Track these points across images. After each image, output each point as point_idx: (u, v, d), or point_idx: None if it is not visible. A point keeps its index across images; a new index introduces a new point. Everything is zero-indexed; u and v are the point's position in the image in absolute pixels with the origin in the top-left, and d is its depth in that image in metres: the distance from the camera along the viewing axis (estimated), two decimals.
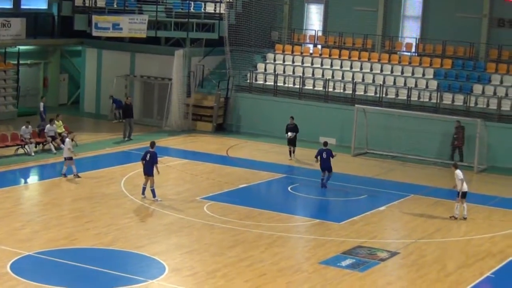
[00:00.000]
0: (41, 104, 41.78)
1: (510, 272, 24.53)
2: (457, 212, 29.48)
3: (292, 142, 39.01)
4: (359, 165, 38.07)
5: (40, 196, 31.34)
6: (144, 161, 30.04)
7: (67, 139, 33.73)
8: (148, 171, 29.88)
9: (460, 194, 29.41)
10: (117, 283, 21.71)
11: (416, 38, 45.52)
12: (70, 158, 32.80)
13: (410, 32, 46.08)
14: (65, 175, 32.76)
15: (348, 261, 24.31)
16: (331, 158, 33.00)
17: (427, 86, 42.41)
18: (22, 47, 47.47)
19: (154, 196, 29.92)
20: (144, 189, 30.09)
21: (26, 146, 36.94)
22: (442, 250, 26.08)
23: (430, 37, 44.84)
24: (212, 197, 30.93)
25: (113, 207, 28.49)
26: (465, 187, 29.39)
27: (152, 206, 29.21)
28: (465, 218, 29.42)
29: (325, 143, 33.78)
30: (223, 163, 37.51)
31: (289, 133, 38.85)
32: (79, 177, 32.70)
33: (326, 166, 33.04)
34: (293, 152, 38.96)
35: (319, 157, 33.03)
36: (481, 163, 38.19)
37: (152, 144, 30.81)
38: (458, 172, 29.37)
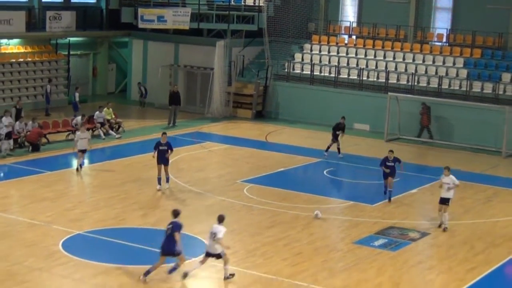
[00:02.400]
0: (76, 94, 42.07)
1: None
2: (446, 222, 25.76)
3: (336, 138, 36.14)
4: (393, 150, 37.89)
5: (90, 179, 31.61)
6: (157, 151, 28.78)
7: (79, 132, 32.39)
8: (163, 160, 28.89)
9: (445, 200, 25.74)
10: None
11: (447, 29, 45.15)
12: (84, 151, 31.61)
13: (441, 23, 45.74)
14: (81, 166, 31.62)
15: (380, 241, 24.30)
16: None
17: (457, 75, 42.12)
18: (72, 39, 47.88)
19: (159, 183, 28.91)
20: (167, 179, 29.29)
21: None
22: (470, 231, 25.95)
23: (461, 28, 44.46)
24: (251, 180, 31.01)
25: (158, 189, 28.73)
26: (451, 194, 25.85)
27: (195, 188, 29.30)
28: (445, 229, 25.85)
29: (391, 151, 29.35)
30: (262, 148, 37.56)
31: (338, 132, 36.04)
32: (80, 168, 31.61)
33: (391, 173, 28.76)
34: (327, 149, 36.17)
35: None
36: (509, 148, 37.86)
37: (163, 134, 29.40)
38: (453, 178, 25.76)
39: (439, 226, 25.85)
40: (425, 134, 40.90)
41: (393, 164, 28.72)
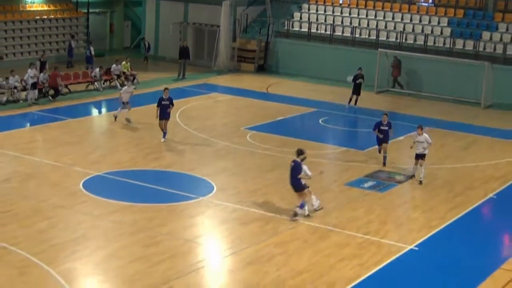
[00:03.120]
0: (91, 48, 41.80)
1: (510, 194, 24.43)
2: (422, 175, 24.77)
3: (357, 91, 36.03)
4: (381, 101, 37.80)
5: (108, 125, 31.58)
6: (160, 107, 27.70)
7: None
8: (166, 115, 27.82)
9: (419, 156, 24.74)
10: (173, 199, 22.00)
11: None
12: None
13: None
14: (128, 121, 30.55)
15: (369, 183, 24.36)
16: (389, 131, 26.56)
17: (441, 33, 41.84)
18: None
19: (163, 136, 27.92)
20: (165, 133, 28.01)
21: (96, 83, 37.21)
22: (451, 175, 26.00)
23: None
24: (253, 128, 30.98)
25: (169, 135, 28.64)
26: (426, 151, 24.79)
27: (203, 135, 29.29)
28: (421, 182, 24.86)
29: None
30: (263, 99, 37.45)
31: (348, 78, 36.40)
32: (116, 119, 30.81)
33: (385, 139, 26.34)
34: (356, 101, 35.82)
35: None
36: (487, 100, 37.78)
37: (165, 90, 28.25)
38: (427, 136, 24.76)
39: (411, 177, 24.90)
40: (397, 85, 40.95)
41: (387, 128, 26.18)
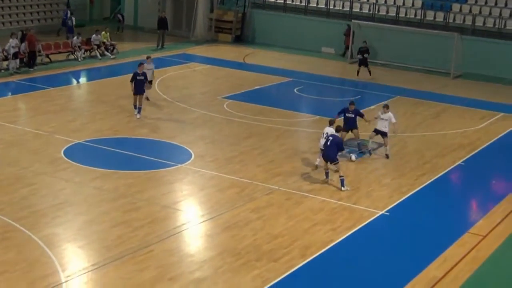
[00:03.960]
0: (73, 18, 41.22)
1: (477, 161, 24.59)
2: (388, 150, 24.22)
3: (364, 63, 36.12)
4: (354, 71, 37.67)
5: (88, 95, 31.36)
6: (135, 81, 26.40)
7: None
8: (141, 90, 26.61)
9: (379, 131, 23.97)
10: (153, 166, 21.92)
11: None
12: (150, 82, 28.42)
13: None
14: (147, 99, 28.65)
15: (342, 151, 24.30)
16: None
17: (413, 5, 41.74)
18: None
19: (139, 112, 26.67)
20: (139, 109, 26.72)
21: (76, 53, 36.80)
22: (421, 142, 26.09)
23: None
24: (230, 97, 30.86)
25: (148, 104, 28.43)
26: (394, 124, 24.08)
27: (181, 104, 29.13)
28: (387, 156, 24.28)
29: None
30: (240, 69, 37.29)
31: (359, 55, 36.17)
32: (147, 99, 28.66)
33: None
34: (369, 73, 35.87)
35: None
36: (456, 70, 37.86)
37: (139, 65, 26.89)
38: (391, 115, 23.94)
39: (366, 151, 24.19)
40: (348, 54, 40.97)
41: (353, 115, 24.01)
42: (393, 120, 23.95)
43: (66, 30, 40.87)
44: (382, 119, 23.95)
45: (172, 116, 27.60)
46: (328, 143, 21.02)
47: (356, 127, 24.17)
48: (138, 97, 26.56)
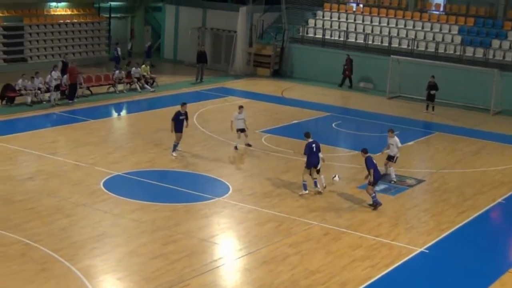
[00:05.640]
0: (118, 49, 41.89)
1: None
2: (394, 175, 24.96)
3: (431, 98, 36.43)
4: (393, 107, 37.65)
5: (128, 127, 31.65)
6: (175, 121, 26.23)
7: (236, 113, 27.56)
8: (181, 129, 26.42)
9: (395, 158, 24.91)
10: (190, 199, 21.97)
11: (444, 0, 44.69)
12: (243, 130, 27.74)
13: None
14: (236, 148, 27.81)
15: (381, 186, 24.15)
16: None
17: (452, 41, 41.63)
18: (113, 3, 47.66)
19: (174, 150, 26.48)
20: (175, 146, 26.60)
21: (116, 85, 37.23)
22: (461, 179, 25.81)
23: None
24: (268, 131, 30.92)
25: (187, 137, 28.57)
26: (397, 152, 24.91)
27: (220, 137, 29.22)
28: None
29: (307, 134, 23.49)
30: (278, 103, 37.38)
31: (432, 91, 36.36)
32: (250, 146, 28.10)
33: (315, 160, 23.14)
34: (433, 108, 36.41)
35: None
36: (496, 106, 37.55)
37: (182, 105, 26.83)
38: (397, 140, 24.87)
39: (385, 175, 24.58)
40: (347, 82, 42.01)
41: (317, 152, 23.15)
42: (399, 145, 24.83)
43: (114, 62, 41.40)
44: (389, 144, 24.88)
45: (210, 149, 27.67)
46: (314, 149, 22.66)
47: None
48: (178, 135, 26.39)
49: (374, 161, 22.30)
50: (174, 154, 26.40)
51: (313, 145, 22.89)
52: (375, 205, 22.11)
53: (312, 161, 22.87)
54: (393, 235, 20.15)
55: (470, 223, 21.59)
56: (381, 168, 23.80)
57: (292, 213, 21.24)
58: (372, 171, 21.96)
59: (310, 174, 23.05)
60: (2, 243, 17.82)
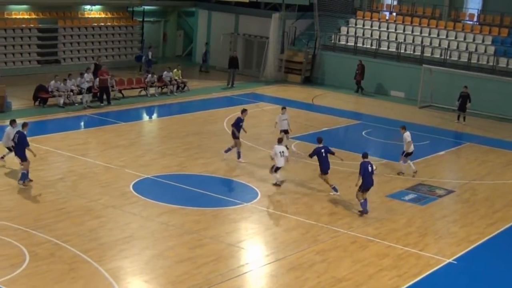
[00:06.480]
0: (150, 53, 42.15)
1: None
2: (404, 170, 26.40)
3: (462, 109, 36.34)
4: (424, 116, 37.46)
5: (158, 131, 31.81)
6: (237, 127, 26.52)
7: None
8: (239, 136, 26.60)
9: (405, 153, 26.20)
10: (219, 204, 22.03)
11: (478, 10, 44.23)
12: (286, 132, 27.99)
13: (473, 3, 44.82)
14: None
15: (410, 196, 24.10)
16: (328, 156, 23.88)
17: (485, 51, 41.31)
18: (146, 7, 47.89)
19: (239, 157, 26.65)
20: (239, 153, 26.74)
21: (147, 89, 37.46)
22: (491, 191, 25.58)
23: (490, 9, 43.49)
24: (298, 137, 30.86)
25: (217, 142, 28.73)
26: (411, 148, 26.17)
27: (249, 142, 29.26)
28: (415, 172, 26.26)
29: (319, 139, 24.23)
30: (308, 109, 37.35)
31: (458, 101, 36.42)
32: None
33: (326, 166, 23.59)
34: (464, 119, 36.31)
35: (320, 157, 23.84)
36: None
37: (243, 112, 27.19)
38: (407, 135, 26.11)
39: (399, 173, 26.47)
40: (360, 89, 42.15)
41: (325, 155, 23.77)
42: (408, 139, 26.02)
43: (146, 65, 41.61)
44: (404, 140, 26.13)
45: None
46: (324, 154, 23.37)
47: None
48: (238, 141, 26.57)
49: (371, 168, 22.02)
50: (242, 160, 26.50)
51: (322, 150, 23.49)
52: (362, 212, 21.95)
53: (325, 167, 23.35)
54: (422, 245, 20.02)
55: (499, 235, 21.38)
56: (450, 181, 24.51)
57: (320, 220, 21.20)
58: (360, 176, 21.87)
59: (326, 180, 23.52)
60: (32, 243, 18.01)
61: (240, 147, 26.78)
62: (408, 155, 26.31)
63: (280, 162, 23.86)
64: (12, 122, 23.65)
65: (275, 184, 24.09)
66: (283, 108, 28.52)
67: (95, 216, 20.17)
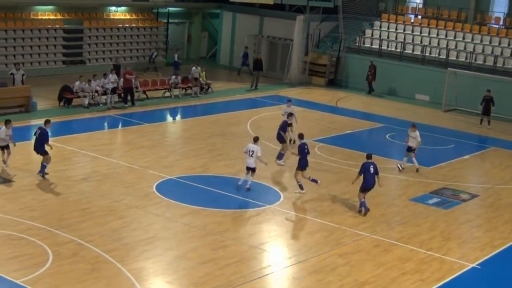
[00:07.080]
0: (176, 55, 42.26)
1: None
2: (403, 165, 27.13)
3: (486, 112, 36.07)
4: (449, 120, 37.22)
5: (182, 132, 31.88)
6: (284, 131, 26.96)
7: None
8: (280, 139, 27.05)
9: (411, 148, 27.03)
10: (241, 206, 22.07)
11: (504, 13, 43.91)
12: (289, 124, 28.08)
13: (499, 7, 44.50)
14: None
15: (434, 200, 23.97)
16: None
17: (511, 55, 40.97)
18: (171, 9, 48.08)
19: (280, 158, 26.85)
20: (282, 155, 26.88)
21: (172, 90, 37.55)
22: None
23: None
24: (322, 140, 30.82)
25: (240, 143, 28.70)
26: (415, 145, 27.06)
27: (272, 144, 29.22)
28: (403, 168, 27.08)
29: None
30: (332, 112, 37.27)
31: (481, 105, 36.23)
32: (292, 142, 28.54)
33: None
34: (488, 123, 36.04)
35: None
36: None
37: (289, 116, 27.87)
38: (418, 134, 26.89)
39: (400, 169, 27.06)
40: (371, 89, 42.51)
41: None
42: (419, 140, 26.81)
43: (173, 67, 41.70)
44: (411, 136, 26.80)
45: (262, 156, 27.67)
46: (306, 151, 23.37)
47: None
48: (285, 145, 27.06)
49: (374, 169, 21.99)
50: (281, 162, 26.70)
51: (306, 146, 23.60)
52: (360, 209, 22.02)
53: (304, 163, 23.38)
54: (445, 249, 19.89)
55: None
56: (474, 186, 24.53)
57: (342, 223, 21.13)
58: (357, 175, 22.09)
59: (302, 176, 23.47)
60: (55, 242, 18.12)
61: (286, 150, 26.86)
62: (410, 150, 27.00)
63: (249, 161, 23.21)
64: (46, 123, 23.75)
65: (240, 185, 23.46)
66: (289, 101, 29.62)
67: (119, 217, 20.26)
